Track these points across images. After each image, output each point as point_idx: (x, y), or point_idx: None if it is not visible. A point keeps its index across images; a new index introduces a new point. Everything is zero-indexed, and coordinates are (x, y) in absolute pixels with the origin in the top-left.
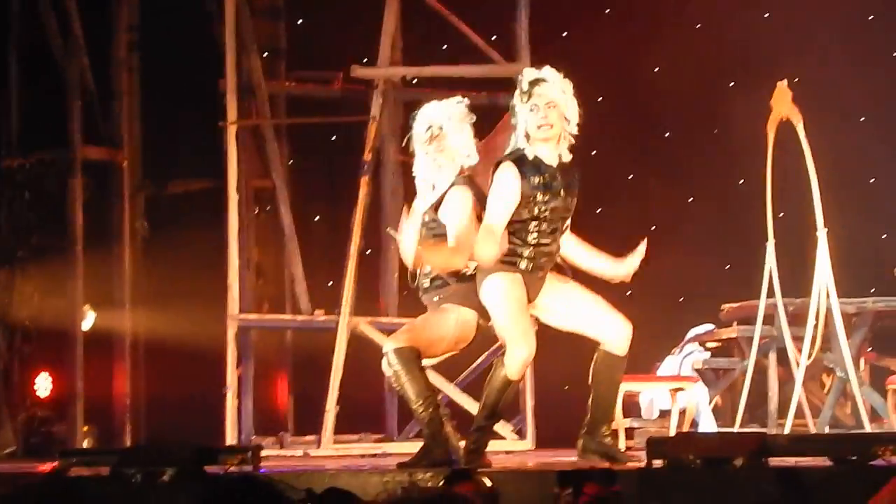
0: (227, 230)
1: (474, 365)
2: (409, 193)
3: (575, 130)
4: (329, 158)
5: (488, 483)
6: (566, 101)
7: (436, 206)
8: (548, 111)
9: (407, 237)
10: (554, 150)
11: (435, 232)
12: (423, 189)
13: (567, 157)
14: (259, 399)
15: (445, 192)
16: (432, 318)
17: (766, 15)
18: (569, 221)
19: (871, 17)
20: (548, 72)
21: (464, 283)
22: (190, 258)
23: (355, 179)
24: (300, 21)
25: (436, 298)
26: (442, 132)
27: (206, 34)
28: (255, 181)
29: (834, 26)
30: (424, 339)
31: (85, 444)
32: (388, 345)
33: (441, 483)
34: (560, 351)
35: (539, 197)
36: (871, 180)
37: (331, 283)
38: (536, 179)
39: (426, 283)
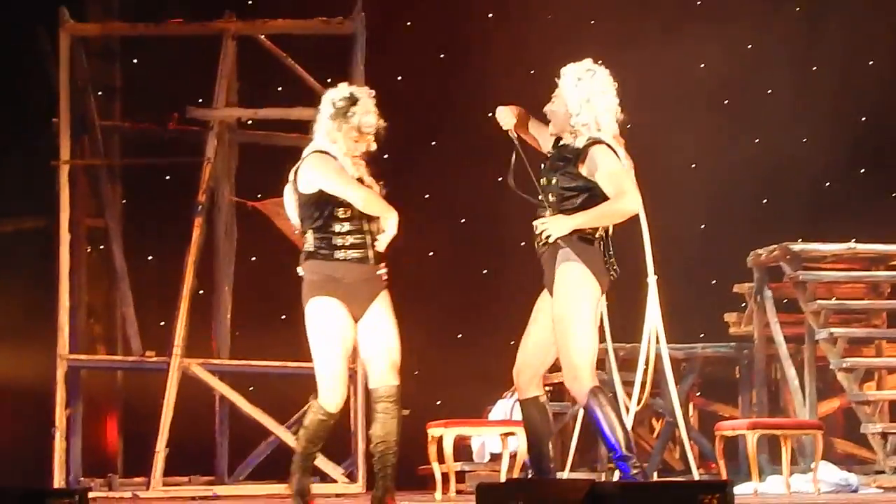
0: (59, 269)
1: (306, 407)
2: (243, 234)
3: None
4: (163, 199)
5: None
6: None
7: None
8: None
9: None
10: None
11: None
12: None
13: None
14: (88, 440)
15: None
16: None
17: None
18: None
19: (701, 65)
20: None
21: None
22: (20, 297)
23: (189, 220)
24: (135, 61)
25: None
26: None
27: (40, 72)
28: (87, 220)
29: (667, 74)
30: None
31: None
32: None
33: None
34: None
35: None
36: (702, 226)
37: (163, 323)
38: None
39: None
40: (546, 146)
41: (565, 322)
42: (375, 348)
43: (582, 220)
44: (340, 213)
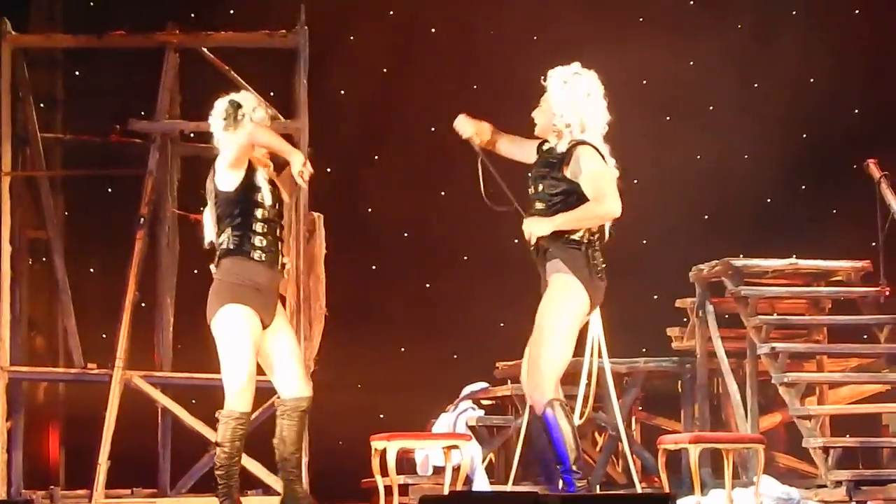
0: (0, 281)
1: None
2: (185, 247)
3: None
4: (105, 211)
5: None
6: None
7: None
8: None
9: None
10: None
11: None
12: None
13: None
14: (30, 452)
15: None
16: None
17: (542, 79)
18: None
19: (644, 82)
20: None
21: None
22: None
23: (131, 232)
24: (77, 72)
25: None
26: None
27: None
28: (29, 232)
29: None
30: None
31: None
32: None
33: None
34: (336, 405)
35: None
36: (644, 241)
37: (105, 335)
38: None
39: None
40: (528, 157)
41: (543, 330)
42: (288, 358)
43: (560, 220)
44: (259, 213)
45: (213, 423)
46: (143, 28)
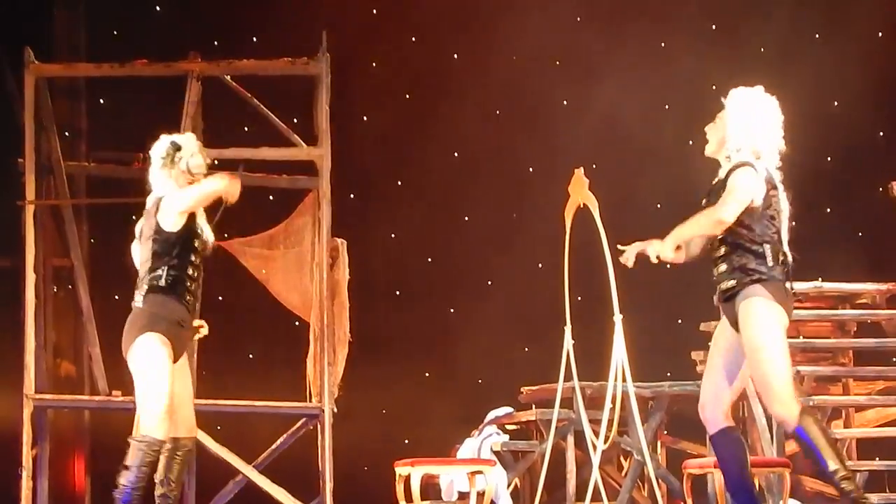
0: (25, 309)
1: (273, 447)
2: (208, 274)
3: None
4: (129, 238)
5: None
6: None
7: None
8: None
9: None
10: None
11: None
12: None
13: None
14: (55, 480)
15: None
16: None
17: (565, 102)
18: None
19: (666, 107)
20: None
21: None
22: None
23: None
24: (101, 101)
25: None
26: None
27: (5, 112)
28: (53, 260)
29: (633, 113)
30: None
31: None
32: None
33: None
34: (361, 430)
35: None
36: (667, 265)
37: None
38: None
39: None
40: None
41: (758, 352)
42: (188, 398)
43: (678, 233)
44: (194, 258)
45: (236, 450)
46: (165, 57)
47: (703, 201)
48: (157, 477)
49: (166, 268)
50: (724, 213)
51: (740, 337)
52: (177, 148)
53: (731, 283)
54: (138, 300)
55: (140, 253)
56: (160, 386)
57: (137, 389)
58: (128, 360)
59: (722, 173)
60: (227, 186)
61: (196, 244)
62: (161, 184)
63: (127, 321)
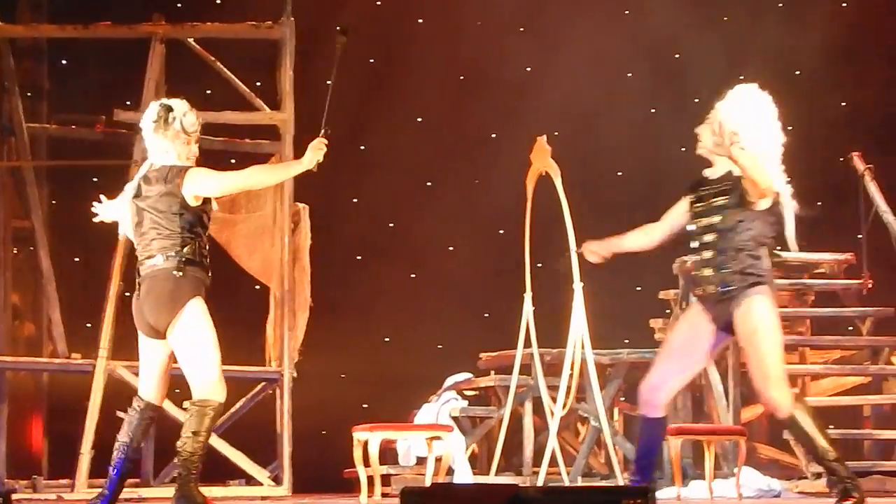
0: None
1: (232, 410)
2: None
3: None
4: (90, 201)
5: None
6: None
7: None
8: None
9: None
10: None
11: None
12: None
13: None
14: (13, 442)
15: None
16: None
17: (528, 69)
18: None
19: (629, 75)
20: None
21: None
22: None
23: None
24: (64, 62)
25: None
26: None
27: None
28: (14, 222)
29: (596, 82)
30: None
31: None
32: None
33: None
34: (320, 395)
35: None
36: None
37: (89, 325)
38: None
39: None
40: (679, 218)
41: (761, 344)
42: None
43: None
44: (206, 232)
45: None
46: (129, 19)
47: (696, 201)
48: (125, 439)
49: (197, 241)
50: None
51: (714, 333)
52: (168, 109)
53: (731, 285)
54: (175, 270)
55: (153, 220)
56: (214, 350)
57: (187, 355)
58: (170, 328)
59: (719, 171)
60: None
61: (209, 217)
62: (160, 149)
63: (161, 290)
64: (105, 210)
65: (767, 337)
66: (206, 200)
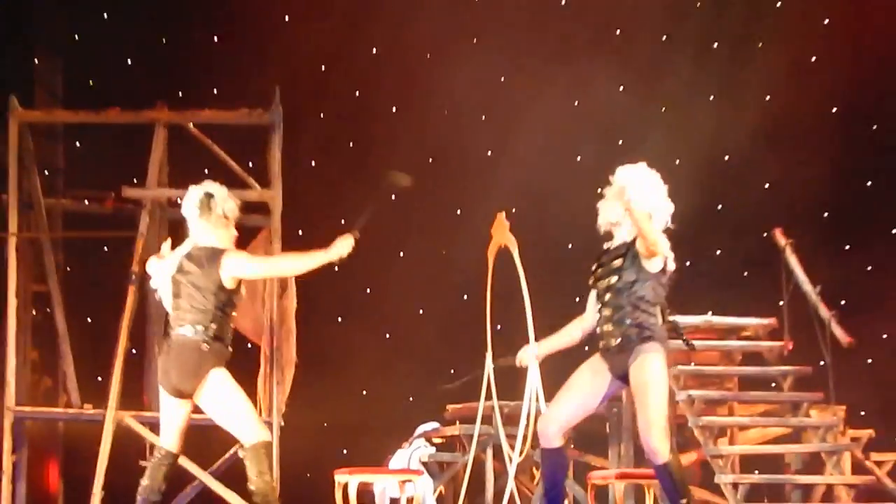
0: (7, 330)
1: (227, 455)
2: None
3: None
4: (101, 268)
5: None
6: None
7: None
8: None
9: None
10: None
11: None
12: None
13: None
14: (32, 483)
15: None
16: None
17: (489, 153)
18: None
19: (578, 158)
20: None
21: None
22: None
23: (124, 287)
24: (78, 144)
25: None
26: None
27: None
28: (33, 286)
29: (547, 164)
30: None
31: None
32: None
33: None
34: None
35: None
36: (577, 299)
37: (100, 378)
38: None
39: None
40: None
41: (650, 397)
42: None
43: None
44: (233, 313)
45: (194, 457)
46: (135, 105)
47: (597, 267)
48: (147, 483)
49: (226, 320)
50: (666, 249)
51: (610, 382)
52: (210, 196)
53: (630, 338)
54: (203, 343)
55: (189, 294)
56: (246, 401)
57: (222, 413)
58: (197, 393)
59: (616, 242)
60: (335, 258)
61: (239, 298)
62: (202, 231)
63: (187, 359)
64: (157, 269)
65: (656, 391)
66: (239, 283)
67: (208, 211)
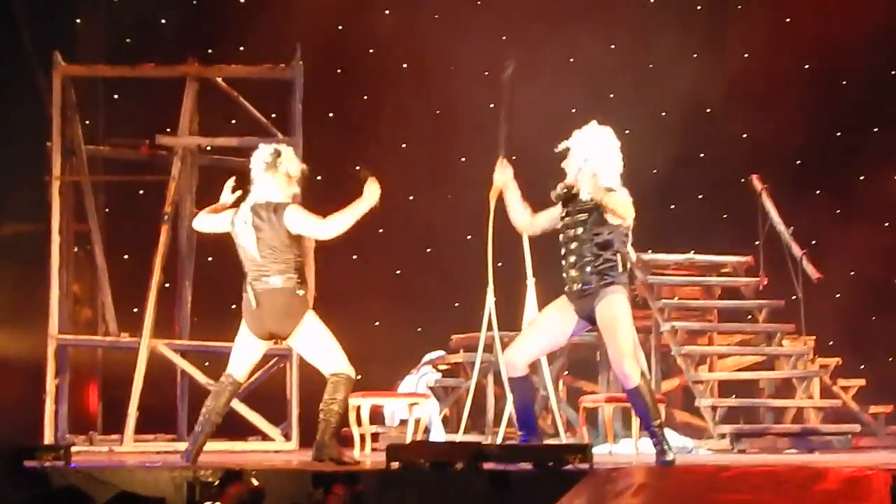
0: (50, 265)
1: (251, 380)
2: (201, 239)
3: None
4: (137, 209)
5: (255, 482)
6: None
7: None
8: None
9: None
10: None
11: None
12: None
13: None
14: (73, 405)
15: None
16: None
17: (491, 105)
18: None
19: (573, 110)
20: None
21: None
22: (19, 288)
23: (158, 226)
24: (115, 96)
25: None
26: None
27: (37, 104)
28: (74, 225)
29: (544, 115)
30: None
31: None
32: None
33: (217, 481)
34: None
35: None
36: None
37: (136, 309)
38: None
39: None
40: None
41: (619, 329)
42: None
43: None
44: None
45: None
46: (169, 60)
47: (566, 215)
48: (211, 404)
49: (304, 265)
50: (631, 215)
51: (577, 322)
52: (278, 154)
53: (590, 284)
54: (297, 290)
55: (269, 247)
56: (335, 342)
57: (316, 351)
58: (293, 335)
59: (584, 195)
60: (371, 204)
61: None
62: (268, 186)
63: (284, 304)
64: (224, 221)
65: (623, 323)
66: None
67: (274, 168)
